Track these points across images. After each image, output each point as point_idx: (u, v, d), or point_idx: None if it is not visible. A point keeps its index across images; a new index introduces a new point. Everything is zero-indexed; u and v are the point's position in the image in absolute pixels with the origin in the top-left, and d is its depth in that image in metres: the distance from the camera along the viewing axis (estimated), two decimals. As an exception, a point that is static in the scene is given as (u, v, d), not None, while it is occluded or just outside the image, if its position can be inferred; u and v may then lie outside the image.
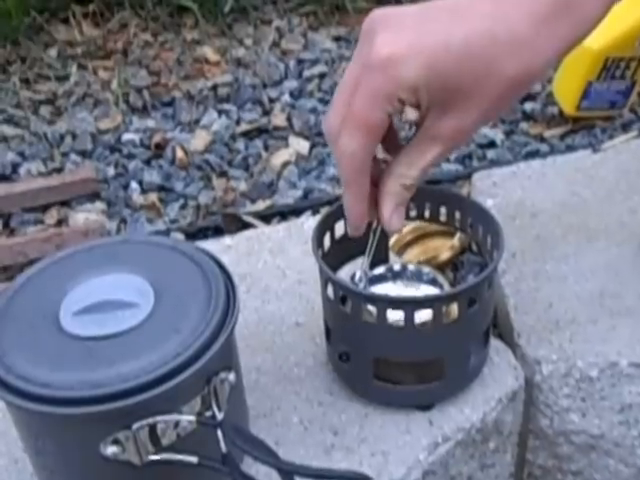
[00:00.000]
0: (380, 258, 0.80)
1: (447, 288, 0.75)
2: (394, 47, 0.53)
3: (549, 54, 0.53)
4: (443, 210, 0.78)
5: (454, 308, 0.68)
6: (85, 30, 1.66)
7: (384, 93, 0.54)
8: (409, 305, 0.67)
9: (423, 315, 0.67)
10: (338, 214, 0.75)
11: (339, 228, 0.77)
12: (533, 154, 1.24)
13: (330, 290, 0.71)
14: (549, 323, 0.83)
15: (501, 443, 0.80)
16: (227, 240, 1.00)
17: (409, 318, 0.66)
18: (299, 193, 1.19)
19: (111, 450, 0.58)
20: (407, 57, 0.53)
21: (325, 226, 0.75)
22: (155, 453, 0.60)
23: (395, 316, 0.67)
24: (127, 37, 1.64)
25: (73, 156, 1.32)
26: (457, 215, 0.77)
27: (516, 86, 0.54)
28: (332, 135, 0.58)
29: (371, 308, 0.68)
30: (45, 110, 1.45)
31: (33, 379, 0.58)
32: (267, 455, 0.59)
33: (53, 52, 1.60)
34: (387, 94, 0.54)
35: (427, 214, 0.79)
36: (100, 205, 1.23)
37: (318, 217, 1.01)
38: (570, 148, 1.24)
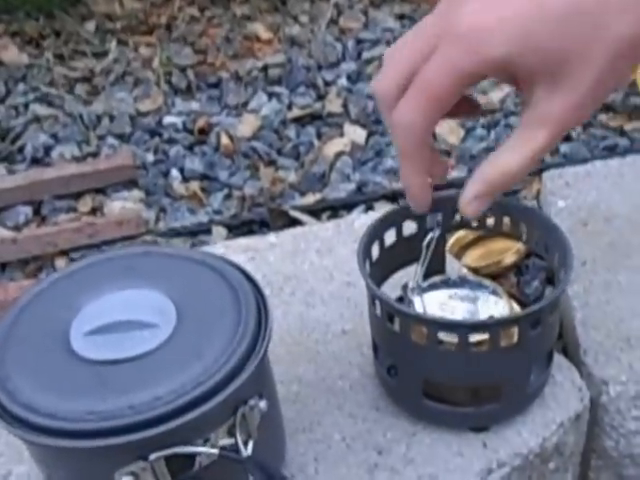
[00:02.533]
0: (436, 267, 0.81)
1: (507, 303, 0.75)
2: (483, 17, 0.51)
3: None
4: (506, 220, 0.78)
5: (515, 330, 0.68)
6: (126, 2, 1.69)
7: (466, 69, 0.52)
8: (463, 329, 0.67)
9: (479, 335, 0.68)
10: (387, 221, 0.76)
11: (389, 236, 0.78)
12: (611, 149, 1.23)
13: (377, 307, 0.71)
14: (619, 340, 0.83)
15: (562, 463, 0.80)
16: (272, 237, 1.01)
17: (463, 342, 0.67)
18: (352, 186, 1.21)
19: None
20: (498, 28, 0.51)
21: (373, 235, 0.75)
22: None
23: (448, 337, 0.68)
24: (171, 11, 1.67)
25: (110, 139, 1.35)
26: (523, 227, 0.77)
27: (633, 47, 0.51)
28: (386, 101, 0.56)
29: (421, 328, 0.69)
30: (81, 89, 1.48)
31: (38, 408, 0.57)
32: None
33: (90, 26, 1.63)
34: (469, 71, 0.52)
35: (490, 224, 0.79)
36: (138, 193, 1.25)
37: (370, 214, 1.03)
38: (654, 144, 1.24)
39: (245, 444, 0.60)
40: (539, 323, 0.68)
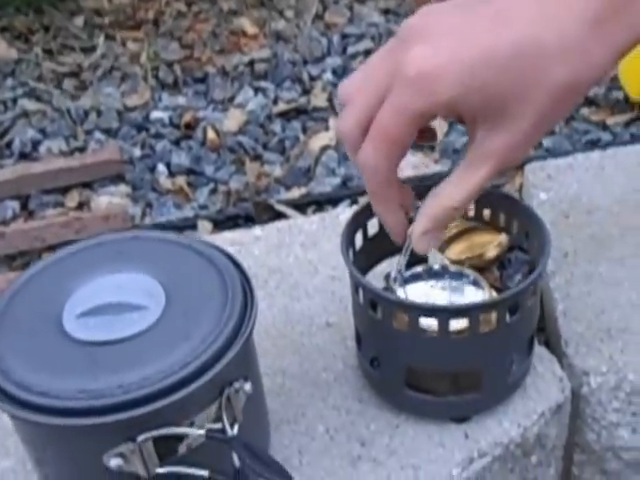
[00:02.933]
0: (419, 257, 0.81)
1: (488, 292, 0.75)
2: (431, 61, 0.53)
3: (603, 59, 0.53)
4: (487, 209, 0.79)
5: (494, 316, 0.69)
6: (113, -3, 1.69)
7: (417, 111, 0.54)
8: (443, 313, 0.67)
9: (459, 323, 0.68)
10: (371, 210, 0.76)
11: (372, 225, 0.78)
12: (594, 143, 1.23)
13: (361, 295, 0.72)
14: (600, 331, 0.83)
15: (544, 457, 0.81)
16: (257, 231, 1.01)
17: (443, 327, 0.67)
18: (337, 181, 1.21)
19: (115, 462, 0.58)
20: (444, 72, 0.53)
21: (356, 224, 0.76)
22: (163, 466, 0.60)
23: (429, 323, 0.68)
24: (159, 6, 1.67)
25: (97, 134, 1.35)
26: (502, 216, 0.78)
27: (568, 95, 0.54)
28: (350, 143, 0.58)
29: (402, 315, 0.69)
30: (69, 84, 1.48)
31: (31, 386, 0.58)
32: (280, 477, 0.58)
33: (79, 21, 1.63)
34: (420, 112, 0.54)
35: (471, 212, 0.80)
36: (124, 188, 1.25)
37: (355, 209, 1.03)
38: (635, 137, 1.24)
39: (231, 427, 0.61)
40: (518, 308, 0.69)
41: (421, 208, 0.62)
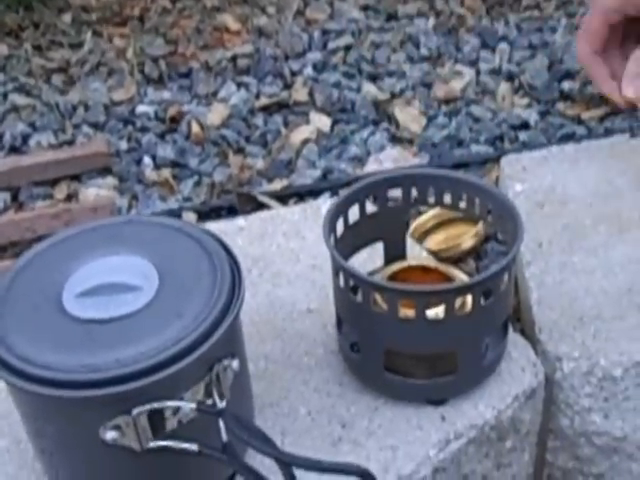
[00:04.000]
0: (398, 252, 0.82)
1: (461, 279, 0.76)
2: None
3: None
4: (464, 197, 0.79)
5: (469, 300, 0.70)
6: (101, -6, 1.68)
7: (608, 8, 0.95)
8: (420, 296, 0.68)
9: (436, 307, 0.69)
10: (352, 198, 0.77)
11: (353, 213, 0.78)
12: (569, 137, 1.24)
13: (341, 278, 0.72)
14: (573, 318, 0.84)
15: (518, 442, 0.81)
16: (240, 221, 1.02)
17: (420, 310, 0.68)
18: (318, 173, 1.21)
19: (111, 435, 0.61)
20: None
21: (338, 211, 0.77)
22: (155, 439, 0.62)
23: (405, 309, 0.69)
24: (144, 3, 1.66)
25: (85, 128, 1.34)
26: (477, 203, 0.79)
27: None
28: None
29: (381, 298, 0.69)
30: (57, 79, 1.47)
31: (34, 360, 0.60)
32: (266, 445, 0.60)
33: (67, 18, 1.62)
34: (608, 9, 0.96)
35: (447, 201, 0.80)
36: (111, 180, 1.25)
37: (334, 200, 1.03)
38: (609, 132, 1.24)
39: (220, 402, 0.63)
40: (492, 292, 0.70)
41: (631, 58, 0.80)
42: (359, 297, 0.71)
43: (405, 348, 0.72)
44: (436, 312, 0.70)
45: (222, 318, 0.63)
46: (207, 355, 0.61)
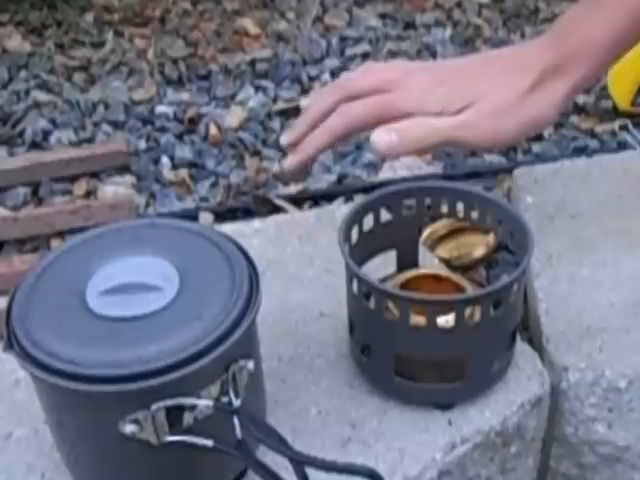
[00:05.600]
0: (410, 258, 0.83)
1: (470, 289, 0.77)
2: None
3: (535, 113, 0.67)
4: (475, 209, 0.81)
5: (479, 310, 0.71)
6: (123, -6, 1.70)
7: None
8: (432, 305, 0.70)
9: (446, 316, 0.70)
10: (367, 207, 0.78)
11: (368, 221, 0.80)
12: (581, 150, 1.25)
13: (355, 285, 0.74)
14: (580, 330, 0.85)
15: (523, 448, 0.83)
16: (256, 223, 1.03)
17: (431, 318, 0.69)
18: (333, 178, 1.22)
19: (130, 429, 0.62)
20: None
21: (354, 219, 0.78)
22: (172, 434, 0.63)
23: (417, 317, 0.70)
24: (166, 4, 1.68)
25: (105, 126, 1.36)
26: (489, 215, 0.80)
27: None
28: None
29: (394, 305, 0.71)
30: (79, 77, 1.49)
31: (59, 355, 0.62)
32: (280, 444, 0.62)
33: (90, 17, 1.64)
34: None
35: (460, 212, 0.82)
36: (130, 178, 1.27)
37: (350, 205, 1.05)
38: (622, 146, 1.26)
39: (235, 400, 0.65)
40: (501, 303, 0.71)
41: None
42: (372, 304, 0.72)
43: (415, 354, 0.73)
44: (446, 320, 0.71)
45: (240, 320, 0.65)
46: (224, 355, 0.63)
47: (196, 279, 0.67)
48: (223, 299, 0.65)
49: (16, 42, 1.58)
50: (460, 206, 0.81)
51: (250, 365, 0.66)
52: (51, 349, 0.62)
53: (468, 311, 0.71)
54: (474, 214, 0.81)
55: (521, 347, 0.83)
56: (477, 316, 0.71)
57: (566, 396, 0.83)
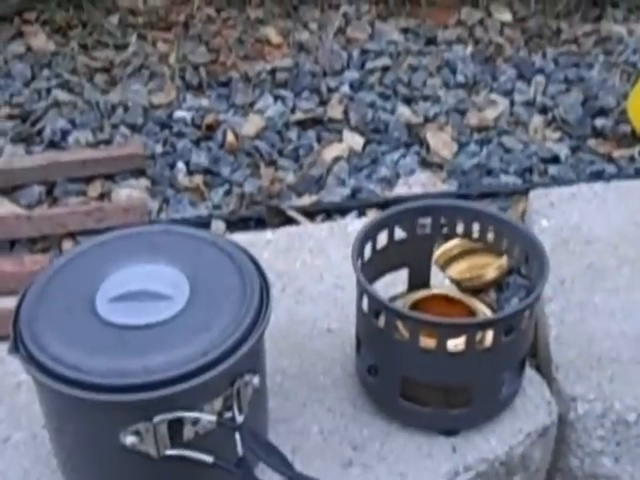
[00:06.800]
0: (422, 279, 0.81)
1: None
2: None
3: None
4: (491, 230, 0.78)
5: (490, 335, 0.69)
6: (148, -1, 1.68)
7: None
8: (443, 328, 0.67)
9: (456, 339, 0.68)
10: (382, 224, 0.76)
11: (382, 238, 0.78)
12: (598, 174, 1.22)
13: (365, 302, 0.72)
14: (590, 359, 0.83)
15: (527, 479, 0.80)
16: (268, 234, 1.01)
17: (441, 341, 0.67)
18: (347, 191, 1.20)
19: (130, 440, 0.61)
20: None
21: (368, 235, 0.76)
22: (172, 448, 0.62)
23: (427, 338, 0.68)
24: (190, 10, 1.66)
25: (123, 129, 1.35)
26: (504, 237, 0.78)
27: None
28: None
29: (403, 326, 0.69)
30: (100, 78, 1.48)
31: (64, 361, 0.60)
32: (281, 464, 0.61)
33: (114, 19, 1.63)
34: None
35: (475, 233, 0.79)
36: (144, 182, 1.25)
37: (363, 220, 1.03)
38: (639, 172, 1.23)
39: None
40: (513, 329, 0.69)
41: None
42: (381, 322, 0.70)
43: (423, 377, 0.71)
44: (456, 344, 0.69)
45: (248, 335, 0.63)
46: (231, 369, 0.62)
47: (207, 289, 0.66)
48: (233, 311, 0.64)
49: (41, 41, 1.56)
50: (476, 227, 0.78)
51: (255, 380, 0.65)
52: (56, 354, 0.61)
53: (479, 335, 0.69)
54: (490, 235, 0.79)
55: (529, 374, 0.80)
56: (488, 341, 0.69)
57: (573, 427, 0.81)
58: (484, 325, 0.69)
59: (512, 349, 0.71)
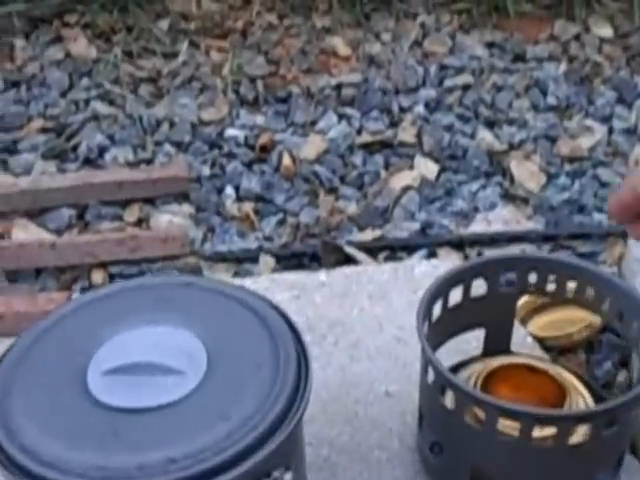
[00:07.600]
0: (502, 336, 0.75)
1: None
2: None
3: None
4: (572, 283, 0.72)
5: (585, 427, 0.62)
6: (203, 3, 1.66)
7: None
8: (528, 419, 0.60)
9: (544, 430, 0.61)
10: (455, 279, 0.70)
11: (456, 295, 0.72)
12: None
13: (430, 374, 0.65)
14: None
15: None
16: (322, 275, 0.97)
17: (525, 432, 0.60)
18: (416, 226, 1.15)
19: None
20: None
21: (438, 291, 0.70)
22: None
23: (507, 425, 0.61)
24: (249, 16, 1.64)
25: (167, 147, 1.32)
26: (591, 291, 0.71)
27: None
28: None
29: (479, 412, 0.62)
30: (145, 90, 1.46)
31: (38, 454, 0.53)
32: None
33: (164, 24, 1.61)
34: None
35: (570, 292, 0.73)
36: (188, 208, 1.22)
37: (433, 262, 0.97)
38: None
39: None
40: (615, 421, 0.61)
41: None
42: (449, 401, 0.64)
43: (498, 474, 0.64)
44: (542, 434, 0.62)
45: (279, 425, 0.55)
46: (254, 469, 0.53)
47: (228, 363, 0.58)
48: (260, 394, 0.56)
49: (81, 46, 1.55)
50: (572, 285, 0.72)
51: (287, 478, 0.57)
52: (29, 444, 0.54)
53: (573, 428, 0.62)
54: (571, 286, 0.72)
55: (627, 460, 0.73)
56: (582, 432, 0.62)
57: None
58: (580, 418, 0.62)
59: (611, 443, 0.64)
